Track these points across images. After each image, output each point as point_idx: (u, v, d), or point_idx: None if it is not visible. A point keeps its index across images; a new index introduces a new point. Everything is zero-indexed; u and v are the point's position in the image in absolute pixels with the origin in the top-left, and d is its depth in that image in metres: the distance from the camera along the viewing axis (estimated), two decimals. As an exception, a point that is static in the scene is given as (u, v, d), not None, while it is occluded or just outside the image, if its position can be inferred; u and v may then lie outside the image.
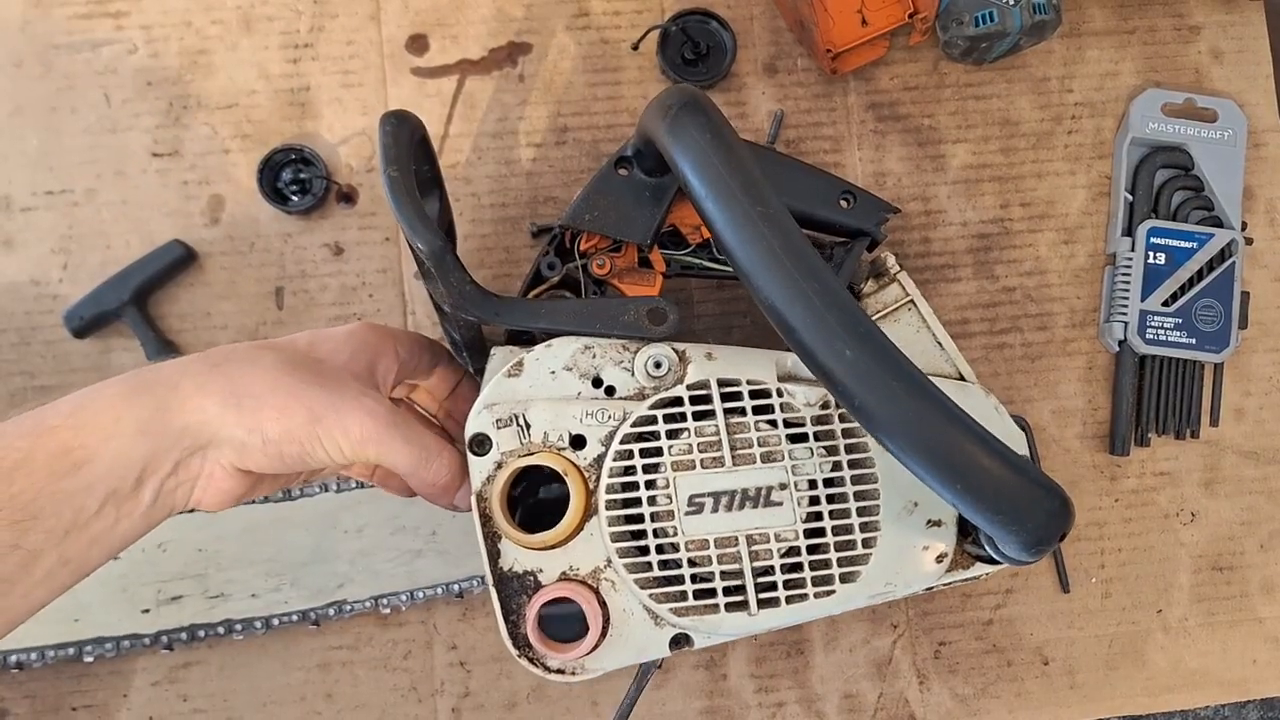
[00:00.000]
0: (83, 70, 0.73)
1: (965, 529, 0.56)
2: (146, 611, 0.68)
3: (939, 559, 0.56)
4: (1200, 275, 0.76)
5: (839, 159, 0.77)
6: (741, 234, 0.45)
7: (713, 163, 0.47)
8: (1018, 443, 0.58)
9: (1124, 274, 0.76)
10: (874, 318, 0.60)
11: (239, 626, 0.69)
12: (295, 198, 0.74)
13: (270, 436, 0.48)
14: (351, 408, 0.49)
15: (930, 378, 0.45)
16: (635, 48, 0.75)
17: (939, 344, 0.61)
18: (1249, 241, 0.78)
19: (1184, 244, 0.75)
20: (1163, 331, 0.75)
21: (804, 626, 0.75)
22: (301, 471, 0.54)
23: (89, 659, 0.68)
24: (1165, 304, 0.75)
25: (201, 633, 0.68)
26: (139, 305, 0.71)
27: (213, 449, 0.47)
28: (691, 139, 0.47)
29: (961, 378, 0.61)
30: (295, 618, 0.69)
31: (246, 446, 0.48)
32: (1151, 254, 0.75)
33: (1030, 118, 0.78)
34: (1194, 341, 0.75)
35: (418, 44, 0.76)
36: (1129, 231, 0.76)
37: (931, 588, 0.57)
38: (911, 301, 0.61)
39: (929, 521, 0.56)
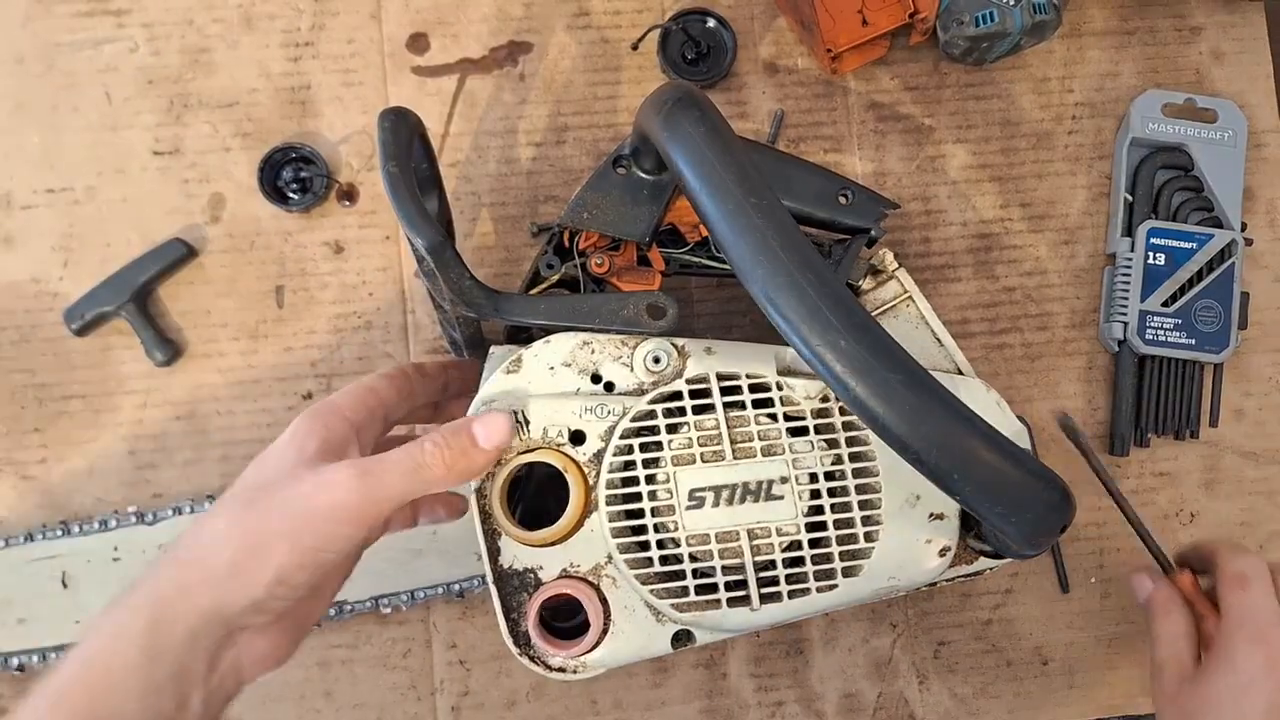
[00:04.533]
0: (84, 68, 0.74)
1: (968, 523, 0.56)
2: (145, 610, 0.68)
3: (942, 553, 0.56)
4: (1200, 276, 0.76)
5: (839, 159, 0.77)
6: (736, 226, 0.45)
7: (707, 157, 0.47)
8: (1020, 437, 0.58)
9: (1124, 274, 0.76)
10: (873, 314, 0.60)
11: (238, 625, 0.68)
12: (296, 196, 0.74)
13: (270, 582, 0.46)
14: (317, 504, 0.47)
15: (929, 372, 0.45)
16: (635, 47, 0.76)
17: (938, 340, 0.61)
18: (1249, 242, 0.78)
19: (1184, 244, 0.75)
20: (1162, 332, 0.75)
21: (803, 626, 0.74)
22: (350, 561, 0.52)
23: (87, 657, 0.67)
24: (1165, 304, 0.75)
25: (200, 631, 0.68)
26: (139, 303, 0.71)
27: (229, 632, 0.47)
28: (686, 133, 0.48)
29: (960, 374, 0.61)
30: (294, 616, 0.69)
31: (258, 605, 0.46)
32: (1151, 254, 0.75)
33: (1030, 118, 0.78)
34: (1194, 342, 0.75)
35: (418, 43, 0.76)
36: (1129, 232, 0.76)
37: (934, 583, 0.57)
38: (910, 298, 0.61)
39: (931, 515, 0.56)
